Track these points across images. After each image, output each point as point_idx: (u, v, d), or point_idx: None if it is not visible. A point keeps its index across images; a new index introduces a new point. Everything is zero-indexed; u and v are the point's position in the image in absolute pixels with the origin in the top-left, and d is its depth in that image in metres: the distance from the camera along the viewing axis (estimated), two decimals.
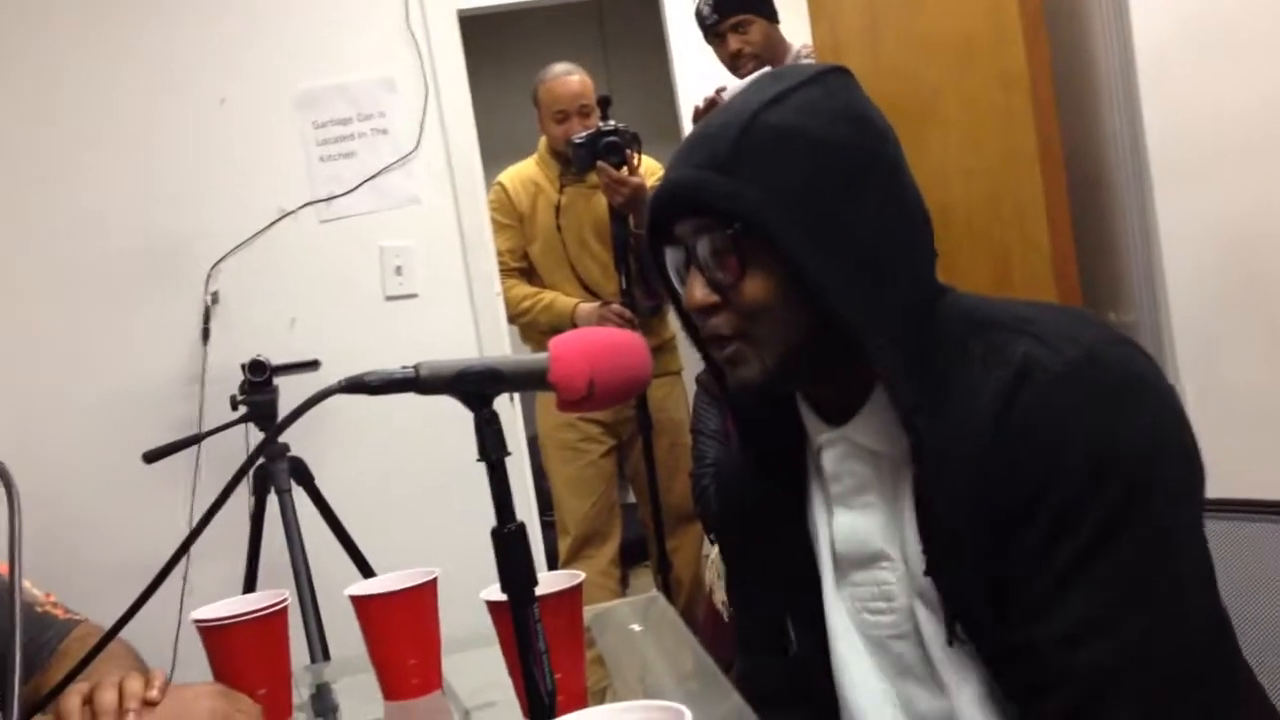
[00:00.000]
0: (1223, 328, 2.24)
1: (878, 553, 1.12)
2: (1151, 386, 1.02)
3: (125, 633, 1.05)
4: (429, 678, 1.40)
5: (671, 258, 1.12)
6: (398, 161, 2.86)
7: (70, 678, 1.14)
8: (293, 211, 2.84)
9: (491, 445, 0.95)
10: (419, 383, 0.95)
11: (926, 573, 1.04)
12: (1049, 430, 0.97)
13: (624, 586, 3.90)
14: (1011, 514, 0.99)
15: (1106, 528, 0.96)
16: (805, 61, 3.13)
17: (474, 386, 0.95)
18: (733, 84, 3.16)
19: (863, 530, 1.12)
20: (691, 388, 3.33)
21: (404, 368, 0.95)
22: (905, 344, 1.04)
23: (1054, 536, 0.97)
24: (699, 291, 1.07)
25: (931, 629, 1.07)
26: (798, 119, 1.05)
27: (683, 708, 0.83)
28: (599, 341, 0.98)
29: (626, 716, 0.85)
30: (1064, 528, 0.97)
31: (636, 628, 1.67)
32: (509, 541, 0.95)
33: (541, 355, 0.96)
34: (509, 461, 0.97)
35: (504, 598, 0.97)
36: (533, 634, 0.95)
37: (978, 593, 1.02)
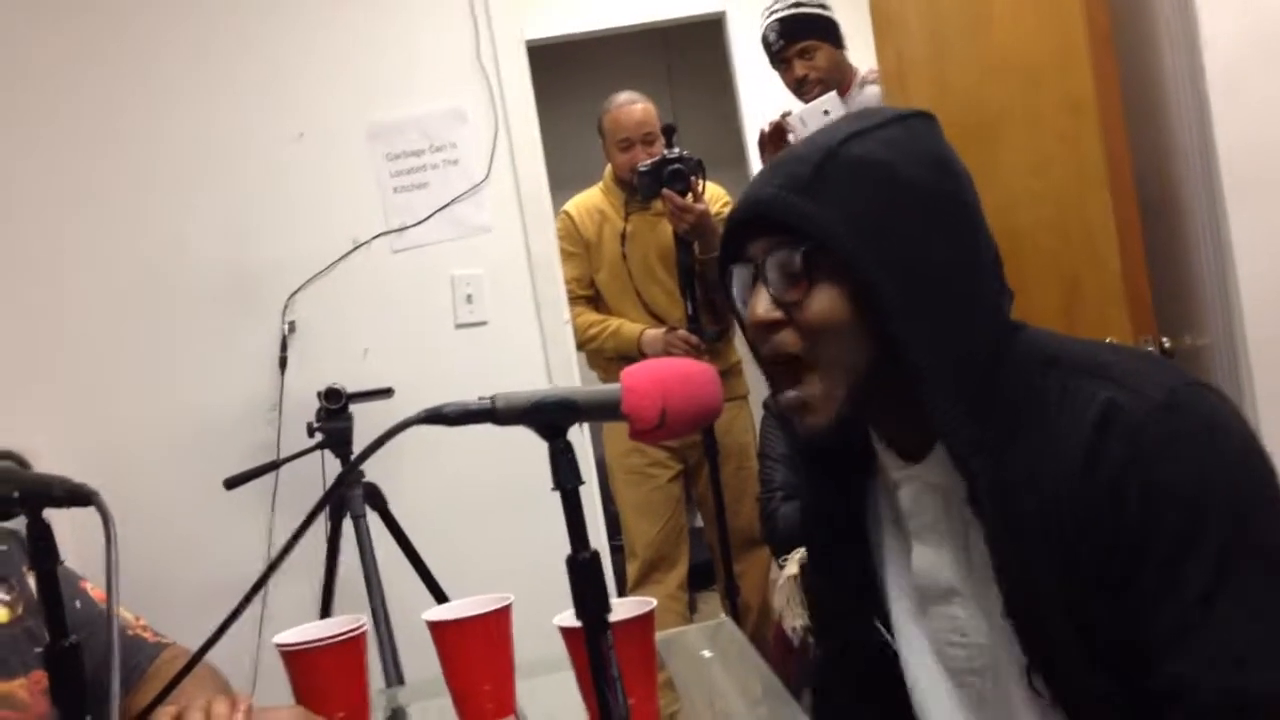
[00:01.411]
0: None
1: (950, 589, 1.12)
2: (1234, 421, 1.02)
3: (209, 654, 1.09)
4: (503, 703, 1.42)
5: (739, 276, 1.12)
6: (468, 191, 2.91)
7: (159, 699, 1.18)
8: (367, 242, 2.90)
9: (565, 475, 0.97)
10: (495, 414, 0.97)
11: (1005, 615, 1.04)
12: (1143, 478, 0.97)
13: (692, 611, 3.90)
14: (1109, 564, 0.98)
15: (1228, 557, 0.95)
16: (871, 87, 3.13)
17: (549, 417, 0.97)
18: (798, 109, 3.18)
19: (936, 566, 1.13)
20: (758, 412, 3.33)
21: (480, 399, 0.98)
22: (968, 382, 1.03)
23: (1173, 580, 0.96)
24: (762, 306, 1.08)
25: (1007, 669, 1.07)
26: (881, 153, 1.06)
27: None
28: (671, 372, 0.99)
29: None
30: (1184, 569, 0.96)
31: (706, 653, 1.68)
32: (584, 569, 0.97)
33: (614, 386, 0.98)
34: (580, 490, 0.99)
35: (578, 624, 0.99)
36: (607, 660, 0.97)
37: (1062, 637, 1.00)
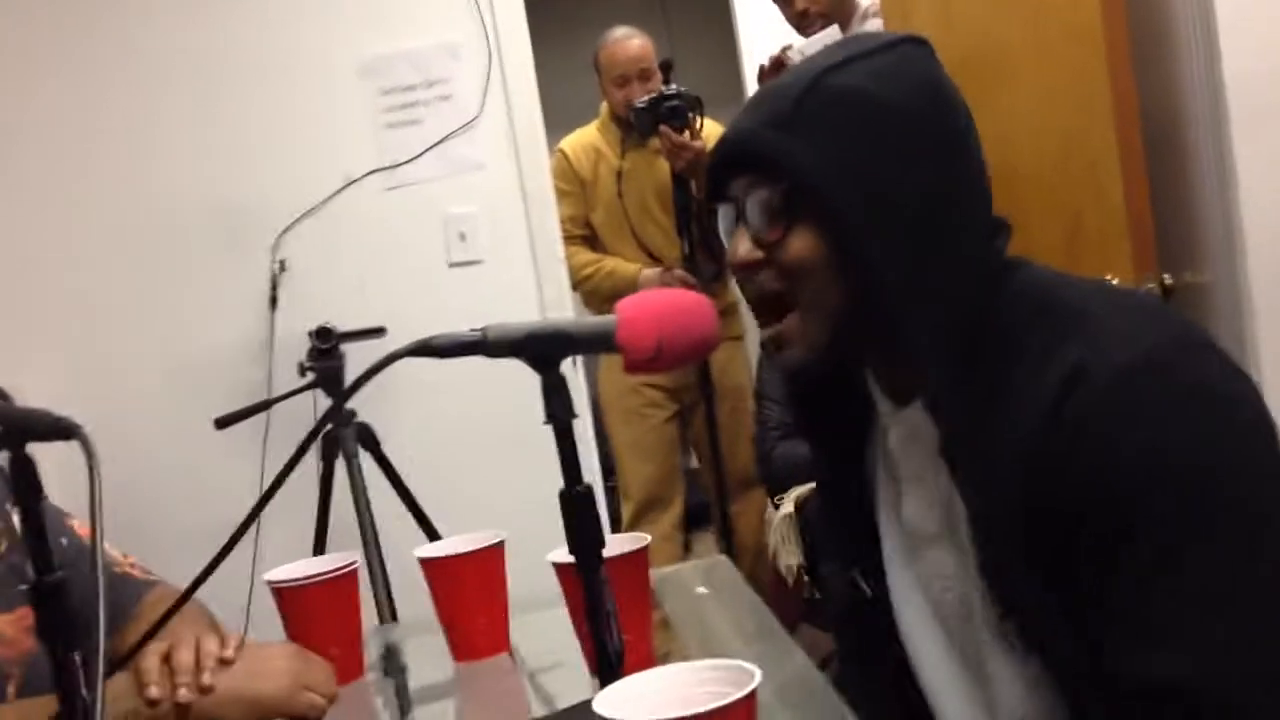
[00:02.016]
0: None
1: (936, 534, 1.10)
2: (1218, 393, 0.95)
3: (200, 594, 1.07)
4: (497, 639, 1.41)
5: (724, 214, 1.10)
6: (462, 128, 2.87)
7: (148, 637, 1.16)
8: (359, 179, 2.86)
9: (559, 408, 0.95)
10: (486, 345, 0.95)
11: (978, 566, 1.02)
12: (1098, 442, 0.92)
13: (686, 551, 3.91)
14: (1066, 525, 0.95)
15: (1167, 542, 0.91)
16: (873, 20, 3.07)
17: (541, 349, 0.95)
18: (798, 43, 3.12)
19: (922, 512, 1.11)
20: (754, 352, 3.31)
21: (471, 330, 0.96)
22: (952, 327, 1.00)
23: (1114, 551, 0.92)
24: (743, 247, 1.05)
25: (981, 617, 1.05)
26: (863, 83, 1.02)
27: (754, 668, 0.83)
28: (666, 303, 0.97)
29: (699, 674, 0.85)
30: (1124, 542, 0.92)
31: (702, 590, 1.67)
32: (577, 504, 0.95)
33: (609, 317, 0.96)
34: (574, 425, 0.96)
35: (572, 560, 0.97)
36: (601, 595, 0.95)
37: (1031, 590, 0.98)
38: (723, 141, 1.08)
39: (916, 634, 1.15)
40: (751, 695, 0.81)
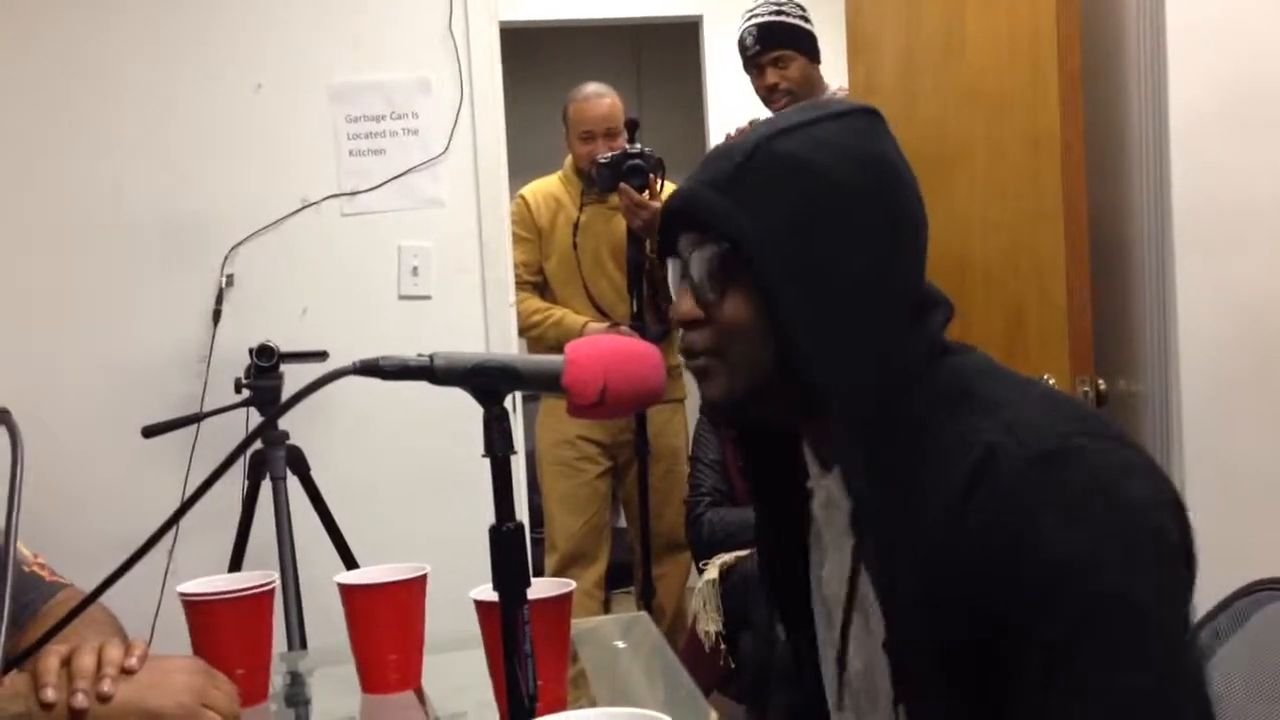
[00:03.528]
0: (1233, 402, 2.24)
1: (843, 605, 1.10)
2: (1130, 481, 0.94)
3: (106, 602, 1.05)
4: (408, 674, 1.39)
5: (672, 269, 1.11)
6: (426, 163, 2.87)
7: (48, 637, 1.13)
8: (316, 202, 2.84)
9: (499, 442, 0.95)
10: (434, 372, 0.95)
11: (883, 643, 1.01)
12: (1009, 531, 0.92)
13: (606, 610, 3.88)
14: (964, 614, 0.94)
15: (1077, 629, 0.90)
16: None
17: (488, 381, 0.95)
18: (765, 118, 3.17)
19: (835, 580, 1.11)
20: (693, 416, 3.32)
21: (420, 355, 0.96)
22: (868, 402, 1.00)
23: (1020, 648, 0.92)
24: (685, 304, 1.06)
25: (881, 696, 1.05)
26: (806, 151, 1.02)
27: (664, 717, 0.82)
28: (615, 349, 0.98)
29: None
30: (1036, 636, 0.91)
31: (620, 644, 1.66)
32: (506, 540, 0.95)
33: (557, 358, 0.97)
34: (510, 462, 0.96)
35: (494, 598, 0.96)
36: (520, 635, 0.94)
37: (930, 672, 0.97)
38: (672, 198, 1.10)
39: (829, 698, 1.15)
40: None
